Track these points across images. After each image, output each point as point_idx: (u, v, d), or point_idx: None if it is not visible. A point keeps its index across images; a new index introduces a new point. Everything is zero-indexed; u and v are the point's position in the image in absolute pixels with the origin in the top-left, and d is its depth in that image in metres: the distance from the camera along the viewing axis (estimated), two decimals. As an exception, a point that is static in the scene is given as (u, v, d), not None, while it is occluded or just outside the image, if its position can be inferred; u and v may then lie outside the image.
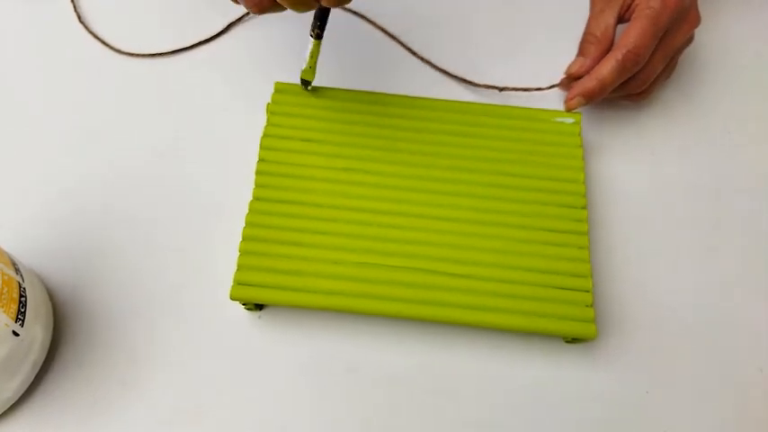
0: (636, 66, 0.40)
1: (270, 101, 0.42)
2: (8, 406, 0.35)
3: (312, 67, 0.40)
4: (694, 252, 0.41)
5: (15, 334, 0.33)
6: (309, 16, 0.48)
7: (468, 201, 0.39)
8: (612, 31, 0.43)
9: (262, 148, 0.40)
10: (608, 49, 0.42)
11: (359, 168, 0.39)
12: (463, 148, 0.40)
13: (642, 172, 0.44)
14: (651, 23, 0.40)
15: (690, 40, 0.44)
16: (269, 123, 0.41)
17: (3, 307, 0.32)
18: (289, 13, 0.49)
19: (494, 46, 0.48)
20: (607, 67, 0.40)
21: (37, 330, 0.35)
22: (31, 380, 0.35)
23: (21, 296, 0.33)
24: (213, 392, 0.37)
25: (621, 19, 0.43)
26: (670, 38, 0.42)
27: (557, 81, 0.44)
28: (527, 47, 0.48)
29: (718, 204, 0.43)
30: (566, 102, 0.43)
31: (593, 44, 0.43)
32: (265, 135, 0.41)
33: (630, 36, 0.40)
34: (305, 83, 0.41)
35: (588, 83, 0.41)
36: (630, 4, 0.42)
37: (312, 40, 0.39)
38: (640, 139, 0.45)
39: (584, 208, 0.39)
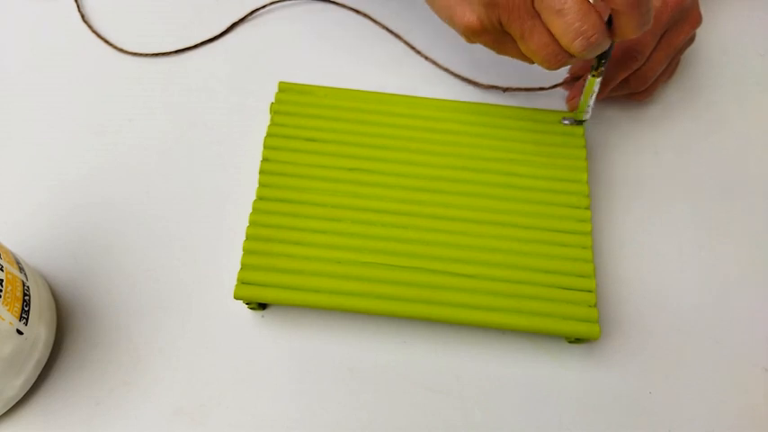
0: (635, 63, 0.40)
1: (273, 100, 0.42)
2: (12, 404, 0.35)
3: (589, 106, 0.40)
4: (698, 252, 0.41)
5: (19, 332, 0.33)
6: (316, 16, 0.49)
7: (472, 201, 0.39)
8: None
9: (265, 147, 0.40)
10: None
11: (362, 168, 0.39)
12: (466, 147, 0.40)
13: (645, 172, 0.44)
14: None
15: (691, 39, 0.44)
16: (272, 123, 0.41)
17: (7, 305, 0.32)
18: (294, 11, 0.50)
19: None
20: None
21: (41, 329, 0.35)
22: (35, 378, 0.35)
23: (24, 294, 0.34)
24: (216, 392, 0.37)
25: None
26: (671, 37, 0.42)
27: (560, 81, 0.44)
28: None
29: (721, 204, 0.43)
30: (567, 101, 0.43)
31: None
32: (269, 135, 0.41)
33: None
34: (579, 122, 0.41)
35: None
36: None
37: (590, 78, 0.37)
38: (643, 140, 0.45)
39: (587, 208, 0.39)
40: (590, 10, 0.31)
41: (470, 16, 0.35)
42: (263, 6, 0.49)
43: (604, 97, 0.43)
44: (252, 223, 0.38)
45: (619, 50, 0.40)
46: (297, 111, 0.41)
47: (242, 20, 0.48)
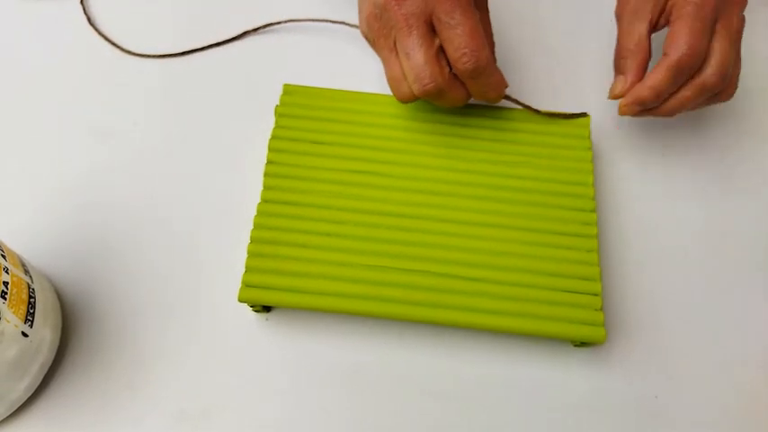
0: (692, 68, 0.38)
1: (278, 103, 0.42)
2: (17, 407, 0.35)
3: None
4: (704, 255, 0.41)
5: (24, 335, 0.33)
6: (324, 24, 0.49)
7: (477, 203, 0.39)
8: (647, 40, 0.40)
9: (270, 149, 0.40)
10: (646, 60, 0.40)
11: (367, 170, 0.39)
12: (472, 150, 0.40)
13: (651, 174, 0.43)
14: (697, 19, 0.37)
15: (743, 21, 0.40)
16: (277, 125, 0.41)
17: (12, 308, 0.32)
18: (300, 14, 0.49)
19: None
20: (659, 75, 0.38)
21: (46, 331, 0.35)
22: (40, 381, 0.35)
23: (30, 297, 0.34)
24: (221, 394, 0.37)
25: (656, 26, 0.40)
26: (725, 24, 0.38)
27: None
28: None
29: (728, 207, 0.43)
30: (620, 106, 0.40)
31: (629, 58, 0.40)
32: (273, 137, 0.41)
33: (680, 38, 0.37)
34: None
35: (642, 91, 0.38)
36: (664, 8, 0.39)
37: None
38: (650, 142, 0.45)
39: (592, 211, 0.39)
40: (431, 61, 0.35)
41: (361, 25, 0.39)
42: (278, 23, 0.48)
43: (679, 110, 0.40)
44: (256, 226, 0.38)
45: (674, 58, 0.37)
46: (302, 113, 0.41)
47: (255, 30, 0.48)
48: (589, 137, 0.41)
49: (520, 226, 0.38)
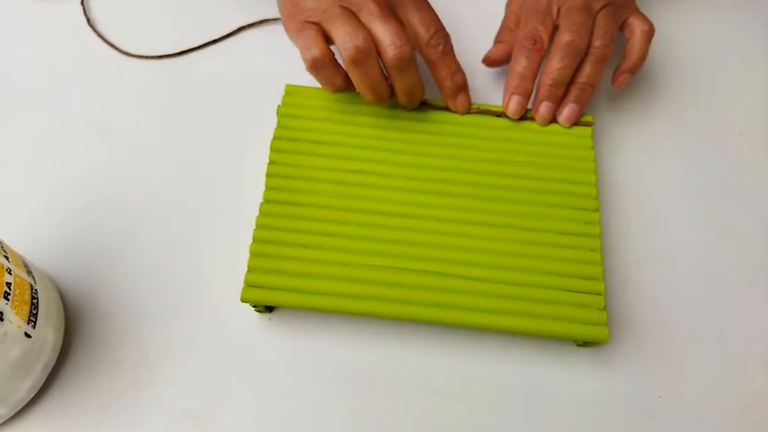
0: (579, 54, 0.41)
1: (280, 103, 0.42)
2: (20, 407, 0.35)
3: None
4: (707, 254, 0.41)
5: (27, 336, 0.33)
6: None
7: (479, 203, 0.39)
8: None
9: (272, 150, 0.40)
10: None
11: (369, 170, 0.39)
12: (474, 150, 0.40)
13: (654, 174, 0.43)
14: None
15: None
16: (279, 125, 0.41)
17: (15, 309, 0.32)
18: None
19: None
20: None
21: (48, 332, 0.35)
22: (43, 381, 0.35)
23: (33, 298, 0.34)
24: (224, 394, 0.37)
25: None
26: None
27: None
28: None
29: (730, 206, 0.43)
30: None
31: (508, 33, 0.45)
32: (275, 137, 0.40)
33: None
34: None
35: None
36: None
37: None
38: (652, 141, 0.45)
39: (595, 210, 0.39)
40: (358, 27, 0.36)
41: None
42: (275, 19, 0.48)
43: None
44: (259, 226, 0.38)
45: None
46: (303, 113, 0.41)
47: (250, 25, 0.48)
48: (591, 137, 0.41)
49: (523, 226, 0.38)
